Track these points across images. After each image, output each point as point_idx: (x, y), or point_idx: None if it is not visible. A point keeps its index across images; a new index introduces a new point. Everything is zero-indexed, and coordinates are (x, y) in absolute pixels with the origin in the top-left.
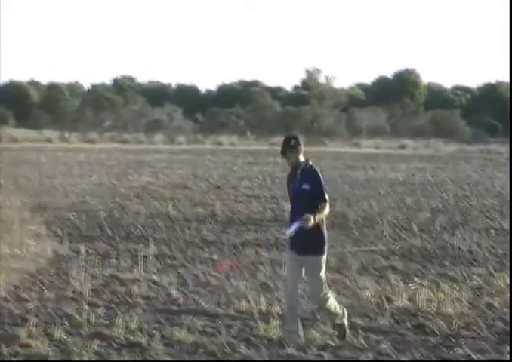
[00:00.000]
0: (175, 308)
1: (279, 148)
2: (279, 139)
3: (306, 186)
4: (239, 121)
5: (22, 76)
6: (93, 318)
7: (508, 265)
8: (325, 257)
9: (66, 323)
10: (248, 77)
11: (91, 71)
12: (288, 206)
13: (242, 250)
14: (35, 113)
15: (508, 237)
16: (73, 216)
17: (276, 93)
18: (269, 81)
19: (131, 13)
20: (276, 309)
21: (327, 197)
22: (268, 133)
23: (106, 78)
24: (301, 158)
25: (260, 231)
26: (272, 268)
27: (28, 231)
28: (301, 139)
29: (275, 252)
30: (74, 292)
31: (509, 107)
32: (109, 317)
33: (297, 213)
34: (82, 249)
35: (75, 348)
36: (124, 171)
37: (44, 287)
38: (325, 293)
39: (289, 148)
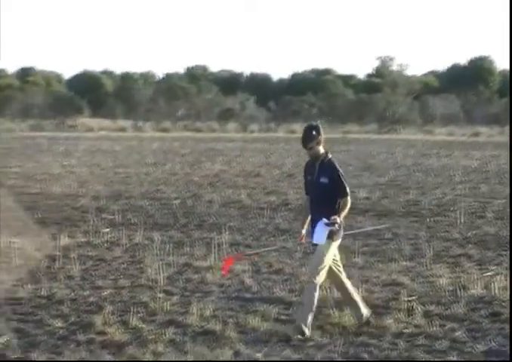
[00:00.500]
0: (249, 295)
1: (351, 136)
2: (352, 128)
3: (324, 180)
4: (312, 109)
5: (95, 66)
6: (167, 306)
7: None
8: (334, 244)
9: (141, 310)
10: (321, 65)
11: (164, 60)
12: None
13: None
14: (109, 102)
15: None
16: (147, 204)
17: (348, 81)
18: (342, 69)
19: (202, 2)
20: None
21: (348, 190)
22: (340, 121)
23: (179, 67)
24: (321, 150)
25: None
26: (345, 256)
27: (103, 220)
28: (321, 129)
29: (348, 239)
30: (149, 280)
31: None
32: (183, 304)
33: (317, 209)
34: (156, 237)
35: (150, 336)
36: (198, 160)
37: (119, 275)
38: (316, 282)
39: (310, 139)
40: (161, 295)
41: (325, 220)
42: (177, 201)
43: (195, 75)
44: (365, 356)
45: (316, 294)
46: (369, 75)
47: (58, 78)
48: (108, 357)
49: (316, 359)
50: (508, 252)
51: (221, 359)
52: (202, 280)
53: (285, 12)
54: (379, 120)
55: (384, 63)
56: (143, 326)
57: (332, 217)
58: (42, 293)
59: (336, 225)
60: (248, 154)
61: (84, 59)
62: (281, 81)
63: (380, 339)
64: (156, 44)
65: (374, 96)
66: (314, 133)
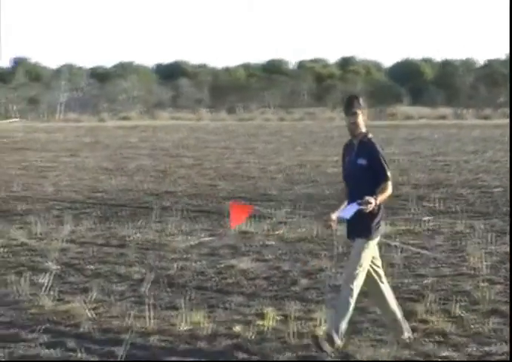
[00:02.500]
0: None
1: None
2: None
3: (362, 161)
4: None
5: (416, 54)
6: (491, 295)
7: None
8: (371, 243)
9: (464, 299)
10: None
11: (486, 47)
12: None
13: None
14: (429, 90)
15: None
16: (467, 192)
17: None
18: None
19: None
20: None
21: (389, 174)
22: None
23: (501, 53)
24: (363, 126)
25: None
26: None
27: (423, 208)
28: (366, 105)
29: None
30: (470, 268)
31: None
32: (507, 293)
33: (354, 193)
34: (478, 225)
35: (473, 325)
36: None
37: (440, 263)
38: (352, 287)
39: (354, 105)
40: (484, 284)
41: (359, 201)
42: (498, 189)
43: None
44: None
45: (352, 301)
46: None
47: (378, 66)
48: (430, 346)
49: None
50: None
51: None
52: None
53: None
54: None
55: None
56: (466, 314)
57: (367, 197)
58: None
59: (369, 206)
60: None
61: (405, 47)
62: None
63: None
64: (476, 31)
65: None
66: (360, 101)
